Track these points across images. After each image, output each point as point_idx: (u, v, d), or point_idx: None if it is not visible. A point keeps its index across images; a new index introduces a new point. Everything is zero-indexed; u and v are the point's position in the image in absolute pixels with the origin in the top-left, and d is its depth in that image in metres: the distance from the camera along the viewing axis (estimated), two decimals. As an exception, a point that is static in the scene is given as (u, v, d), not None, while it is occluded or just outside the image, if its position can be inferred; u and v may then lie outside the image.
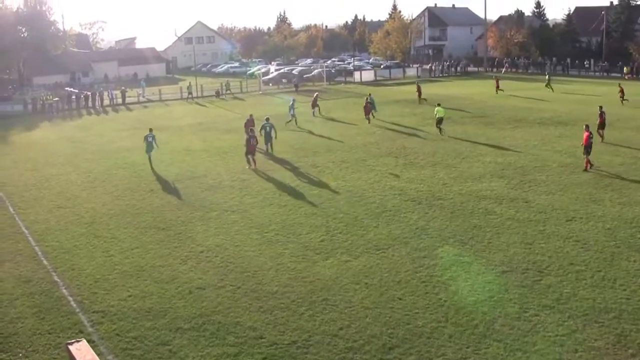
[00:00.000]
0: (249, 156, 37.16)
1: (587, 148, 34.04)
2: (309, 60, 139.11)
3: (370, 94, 56.01)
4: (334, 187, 31.66)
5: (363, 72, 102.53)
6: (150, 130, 41.54)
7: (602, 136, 41.20)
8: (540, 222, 25.43)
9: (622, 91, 60.85)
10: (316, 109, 59.51)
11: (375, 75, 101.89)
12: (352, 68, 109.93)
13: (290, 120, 52.37)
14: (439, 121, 45.97)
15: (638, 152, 38.80)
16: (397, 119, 53.96)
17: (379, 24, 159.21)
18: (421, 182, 32.09)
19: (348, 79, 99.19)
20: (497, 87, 74.00)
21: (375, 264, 21.42)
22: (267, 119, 39.97)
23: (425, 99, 65.21)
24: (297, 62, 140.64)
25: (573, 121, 50.56)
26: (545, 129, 47.37)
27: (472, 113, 56.69)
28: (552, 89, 73.77)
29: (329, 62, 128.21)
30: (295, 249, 23.10)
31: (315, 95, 63.26)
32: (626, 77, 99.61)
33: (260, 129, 40.50)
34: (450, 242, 23.24)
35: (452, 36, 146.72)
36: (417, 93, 66.61)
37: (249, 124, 42.87)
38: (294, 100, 55.91)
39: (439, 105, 47.33)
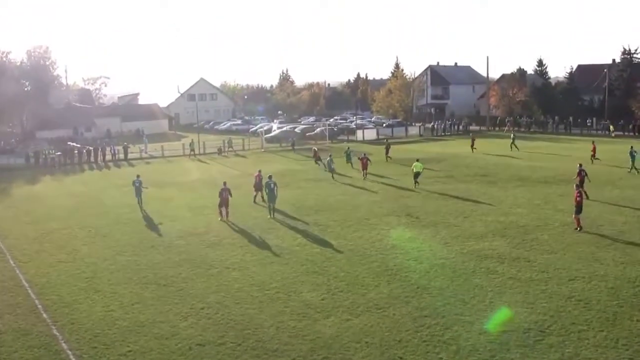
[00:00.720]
0: (221, 209, 39.25)
1: (578, 207, 34.54)
2: (311, 118, 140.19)
3: (348, 147, 62.01)
4: (335, 246, 31.80)
5: (365, 130, 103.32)
6: (138, 176, 44.95)
7: (585, 194, 41.56)
8: (542, 281, 25.53)
9: (594, 149, 62.38)
10: (320, 163, 63.03)
11: (377, 133, 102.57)
12: (354, 126, 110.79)
13: (330, 172, 56.51)
14: (416, 175, 49.69)
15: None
16: (399, 178, 54.25)
17: (381, 82, 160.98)
18: (423, 242, 32.21)
19: (350, 137, 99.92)
20: (472, 145, 76.41)
21: (376, 322, 21.49)
22: (270, 177, 40.24)
23: (390, 157, 68.09)
24: (299, 119, 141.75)
25: (571, 178, 50.82)
26: (548, 187, 47.65)
27: (475, 171, 57.03)
28: (517, 148, 75.47)
29: (331, 120, 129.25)
30: (296, 307, 23.19)
31: (314, 150, 67.73)
32: (613, 135, 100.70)
33: (265, 187, 40.79)
34: (451, 301, 23.31)
35: (454, 94, 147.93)
36: (385, 150, 69.36)
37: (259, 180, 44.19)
38: (331, 156, 59.56)
39: (417, 160, 51.02)
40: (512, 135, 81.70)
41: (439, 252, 30.25)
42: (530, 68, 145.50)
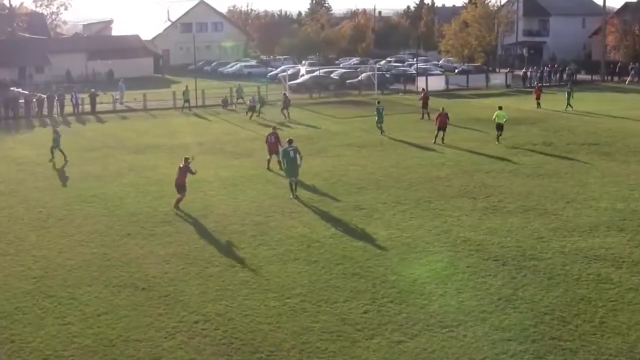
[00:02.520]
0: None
1: None
2: (354, 60, 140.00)
3: (379, 102, 63.10)
4: (384, 238, 31.76)
5: (430, 78, 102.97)
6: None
7: None
8: (676, 295, 25.32)
9: None
10: (286, 112, 69.65)
11: (447, 82, 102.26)
12: (414, 72, 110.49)
13: (382, 132, 59.16)
14: (498, 127, 54.75)
15: None
16: (476, 145, 54.05)
17: (454, 11, 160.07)
18: (507, 235, 32.11)
19: (408, 87, 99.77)
20: (538, 100, 77.62)
21: (439, 347, 21.41)
22: (291, 142, 39.98)
23: (428, 114, 68.99)
24: (337, 62, 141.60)
25: None
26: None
27: (583, 139, 56.63)
28: (571, 106, 75.61)
29: (382, 62, 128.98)
30: (328, 323, 23.15)
31: (283, 94, 74.15)
32: None
33: (282, 156, 40.55)
34: (546, 319, 23.16)
35: (556, 30, 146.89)
36: (421, 104, 70.84)
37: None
38: (381, 107, 61.29)
39: (500, 109, 55.48)
40: (568, 90, 79.57)
41: (530, 249, 30.08)
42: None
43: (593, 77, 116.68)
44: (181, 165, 37.89)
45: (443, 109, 56.31)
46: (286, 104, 71.55)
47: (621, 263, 28.42)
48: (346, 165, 47.26)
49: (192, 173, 37.80)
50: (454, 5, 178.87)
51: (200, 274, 27.83)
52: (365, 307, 24.35)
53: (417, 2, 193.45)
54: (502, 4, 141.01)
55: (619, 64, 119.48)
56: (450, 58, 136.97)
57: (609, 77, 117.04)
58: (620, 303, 24.55)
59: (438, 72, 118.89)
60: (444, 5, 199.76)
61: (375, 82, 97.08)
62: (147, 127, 68.77)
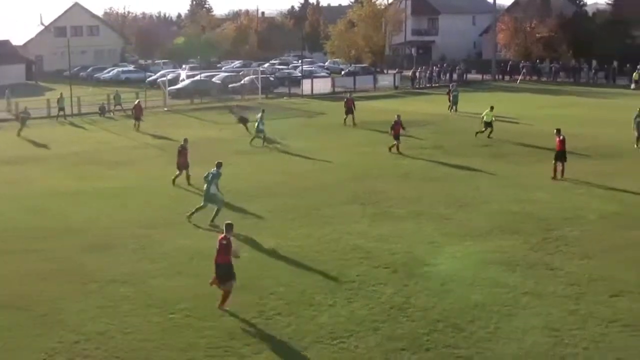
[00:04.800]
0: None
1: (560, 155, 40.35)
2: (237, 63, 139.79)
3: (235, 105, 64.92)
4: (272, 248, 31.77)
5: (315, 80, 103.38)
6: None
7: (560, 170, 43.87)
8: (572, 298, 25.81)
9: None
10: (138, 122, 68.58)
11: (333, 85, 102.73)
12: (299, 75, 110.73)
13: (254, 138, 57.12)
14: (486, 125, 57.82)
15: None
16: (365, 150, 54.44)
17: (340, 10, 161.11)
18: (398, 241, 32.35)
19: (293, 90, 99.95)
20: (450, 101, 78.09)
21: (330, 359, 21.48)
22: (219, 165, 38.03)
23: (353, 119, 68.26)
24: (220, 65, 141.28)
25: (621, 151, 51.64)
26: (582, 163, 48.10)
27: (475, 141, 57.42)
28: (455, 109, 76.60)
29: (266, 65, 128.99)
30: (215, 338, 23.05)
31: (137, 102, 72.34)
32: (632, 87, 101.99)
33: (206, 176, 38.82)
34: (440, 327, 23.42)
35: (445, 29, 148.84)
36: (345, 109, 69.22)
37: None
38: (263, 112, 58.83)
39: (491, 109, 58.86)
40: (451, 92, 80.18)
41: (422, 255, 30.40)
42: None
43: (484, 77, 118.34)
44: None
45: (399, 116, 55.13)
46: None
47: (515, 266, 28.91)
48: (233, 173, 47.13)
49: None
50: (340, 5, 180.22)
51: (80, 290, 27.47)
52: (253, 320, 24.30)
53: (302, 2, 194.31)
54: (389, 2, 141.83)
55: (510, 62, 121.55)
56: (337, 59, 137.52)
57: (500, 76, 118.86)
58: (515, 308, 24.96)
59: (324, 74, 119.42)
60: (329, 5, 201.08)
61: (259, 86, 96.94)
62: (18, 138, 67.61)
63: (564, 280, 27.46)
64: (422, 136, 60.01)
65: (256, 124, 57.95)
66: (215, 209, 35.74)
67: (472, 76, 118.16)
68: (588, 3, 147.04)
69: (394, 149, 53.31)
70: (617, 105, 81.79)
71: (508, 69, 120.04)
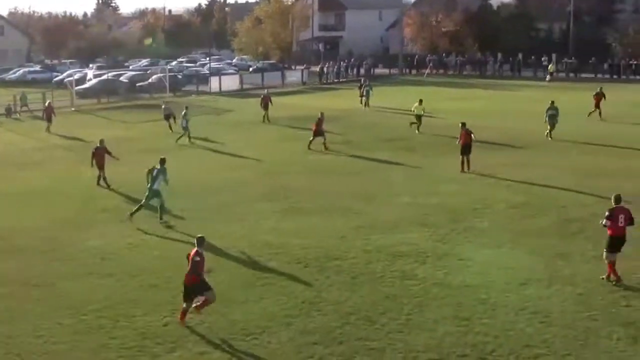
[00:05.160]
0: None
1: (465, 148, 41.97)
2: (144, 62, 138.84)
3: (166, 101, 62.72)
4: (183, 247, 31.13)
5: (223, 77, 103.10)
6: None
7: (467, 163, 44.22)
8: (481, 287, 26.06)
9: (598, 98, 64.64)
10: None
11: (241, 82, 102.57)
12: (207, 72, 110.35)
13: (182, 135, 56.89)
14: (418, 119, 58.56)
15: (615, 183, 40.40)
16: (275, 145, 54.45)
17: (247, 7, 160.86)
18: (309, 236, 32.39)
19: (201, 87, 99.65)
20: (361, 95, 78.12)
21: (244, 355, 21.46)
22: (163, 161, 37.44)
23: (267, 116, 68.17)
24: (127, 64, 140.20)
25: (528, 143, 52.34)
26: (489, 154, 48.72)
27: (383, 135, 57.79)
28: (367, 105, 76.61)
29: (174, 63, 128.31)
30: (127, 339, 22.86)
31: (48, 103, 70.24)
32: (547, 79, 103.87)
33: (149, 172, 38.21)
34: (352, 320, 23.48)
35: (352, 24, 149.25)
36: (262, 106, 69.09)
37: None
38: (186, 109, 58.89)
39: (420, 102, 59.24)
40: (363, 87, 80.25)
41: (333, 249, 30.45)
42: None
43: (391, 71, 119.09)
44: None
45: (322, 114, 54.81)
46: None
47: (425, 258, 29.12)
48: (140, 172, 46.74)
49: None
50: (247, 2, 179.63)
51: (-12, 295, 27.18)
52: (165, 319, 24.15)
53: (209, 0, 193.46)
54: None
55: (416, 56, 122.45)
56: (245, 56, 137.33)
57: (408, 70, 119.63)
58: (425, 299, 25.13)
59: (232, 71, 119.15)
60: (236, 2, 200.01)
61: (167, 84, 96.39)
62: None
63: (473, 270, 27.76)
64: (332, 131, 60.07)
65: (180, 121, 58.28)
66: (159, 206, 35.63)
67: (380, 70, 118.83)
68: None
69: (316, 146, 52.86)
70: (522, 97, 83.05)
71: (415, 63, 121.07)
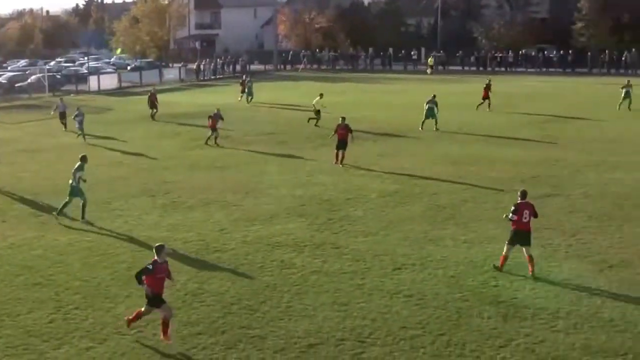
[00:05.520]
0: None
1: (341, 143, 42.68)
2: (23, 62, 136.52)
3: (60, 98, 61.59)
4: (64, 244, 31.07)
5: (102, 76, 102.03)
6: None
7: (341, 156, 44.43)
8: (357, 273, 26.34)
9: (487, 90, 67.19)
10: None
11: (120, 80, 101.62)
12: (86, 71, 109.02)
13: (80, 135, 55.85)
14: (317, 113, 58.08)
15: (483, 171, 41.31)
16: (156, 142, 54.08)
17: (124, 7, 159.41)
18: (189, 230, 32.29)
19: (80, 87, 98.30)
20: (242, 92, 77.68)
21: (129, 349, 21.27)
22: (84, 159, 36.88)
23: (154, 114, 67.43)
24: (5, 65, 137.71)
25: (400, 133, 53.00)
26: (359, 145, 49.12)
27: (260, 129, 57.91)
28: (247, 100, 76.57)
29: (52, 63, 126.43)
30: (12, 337, 22.43)
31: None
32: (428, 72, 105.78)
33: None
34: (234, 309, 23.49)
35: (228, 22, 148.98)
36: (148, 104, 68.32)
37: None
38: (78, 109, 57.93)
39: (320, 96, 58.98)
40: (245, 83, 79.74)
41: (213, 242, 30.45)
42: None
43: (266, 67, 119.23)
44: None
45: (218, 109, 54.52)
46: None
47: (303, 247, 29.30)
48: (20, 172, 46.07)
49: None
50: (124, 2, 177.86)
51: None
52: (50, 316, 23.79)
53: (86, 0, 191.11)
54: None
55: (291, 52, 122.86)
56: (123, 55, 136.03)
57: (282, 66, 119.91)
58: (304, 286, 25.30)
59: (111, 70, 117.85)
60: (114, 1, 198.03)
61: (46, 84, 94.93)
62: None
63: (349, 257, 28.02)
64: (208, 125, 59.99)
65: (74, 121, 57.21)
66: (81, 203, 34.66)
67: (255, 67, 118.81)
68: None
69: (211, 142, 52.42)
70: (393, 89, 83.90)
71: (289, 58, 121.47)
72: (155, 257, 21.60)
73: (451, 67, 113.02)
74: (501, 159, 45.43)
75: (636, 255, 27.28)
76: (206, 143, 52.28)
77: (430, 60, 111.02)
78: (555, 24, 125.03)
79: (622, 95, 65.48)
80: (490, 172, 41.85)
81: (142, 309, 21.74)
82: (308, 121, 58.78)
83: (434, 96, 56.59)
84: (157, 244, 22.13)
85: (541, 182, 39.35)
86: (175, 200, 37.56)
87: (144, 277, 21.33)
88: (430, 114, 55.64)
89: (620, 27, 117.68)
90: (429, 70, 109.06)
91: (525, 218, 25.68)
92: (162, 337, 21.34)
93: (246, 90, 76.58)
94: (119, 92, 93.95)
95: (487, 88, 68.04)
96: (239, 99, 76.36)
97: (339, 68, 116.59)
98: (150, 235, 31.67)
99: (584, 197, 36.59)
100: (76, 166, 34.78)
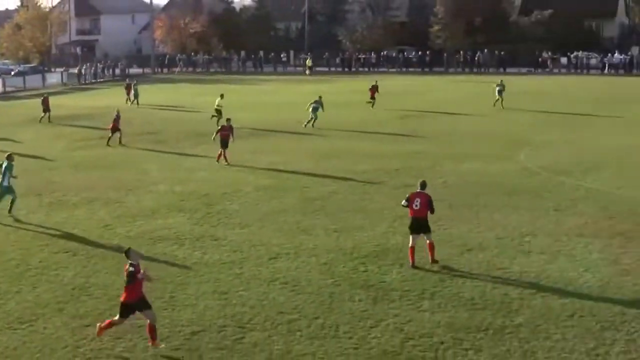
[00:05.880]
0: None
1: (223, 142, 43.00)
2: None
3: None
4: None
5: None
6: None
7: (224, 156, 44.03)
8: (236, 263, 26.28)
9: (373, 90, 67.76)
10: None
11: (3, 85, 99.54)
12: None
13: None
14: (217, 112, 56.71)
15: (350, 164, 41.67)
16: (41, 144, 53.06)
17: (7, 14, 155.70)
18: (75, 227, 31.70)
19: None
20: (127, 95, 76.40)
21: (21, 342, 20.78)
22: (10, 158, 35.52)
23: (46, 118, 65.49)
24: None
25: (273, 131, 53.11)
26: (235, 143, 49.11)
27: (140, 129, 57.24)
28: (137, 103, 74.95)
29: None
30: None
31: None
32: (307, 73, 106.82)
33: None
34: (119, 302, 23.13)
35: (107, 28, 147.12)
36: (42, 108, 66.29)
37: None
38: None
39: (221, 97, 58.87)
40: (132, 86, 77.99)
41: (98, 238, 29.96)
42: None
43: (144, 70, 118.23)
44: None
45: (118, 111, 53.19)
46: None
47: (184, 240, 29.07)
48: None
49: None
50: (7, 9, 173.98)
51: None
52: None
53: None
54: (54, 5, 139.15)
55: (167, 56, 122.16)
56: (6, 60, 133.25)
57: (160, 69, 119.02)
58: (186, 277, 25.10)
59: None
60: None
61: None
62: None
63: (227, 248, 27.92)
64: (88, 129, 59.17)
65: None
66: (11, 199, 33.75)
67: (134, 70, 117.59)
68: (235, 0, 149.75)
69: (113, 142, 51.05)
70: (266, 90, 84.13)
71: (166, 62, 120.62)
72: (131, 262, 19.92)
73: (318, 68, 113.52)
74: (367, 153, 45.96)
75: (492, 239, 27.81)
76: (107, 144, 51.32)
77: (309, 62, 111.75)
78: (414, 27, 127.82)
79: (496, 93, 66.20)
80: (357, 166, 42.25)
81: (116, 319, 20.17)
82: (211, 118, 58.16)
83: (320, 97, 57.20)
84: (125, 249, 20.71)
85: (404, 174, 39.96)
86: (60, 198, 36.83)
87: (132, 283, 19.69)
88: (314, 113, 55.90)
89: (473, 30, 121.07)
90: (307, 72, 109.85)
91: (417, 206, 25.63)
92: (151, 343, 19.90)
93: (133, 92, 75.26)
94: (3, 96, 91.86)
95: (374, 89, 68.92)
96: (129, 103, 74.71)
97: (213, 70, 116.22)
98: (37, 232, 31.10)
99: (443, 186, 37.20)
100: (5, 165, 33.66)
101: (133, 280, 19.52)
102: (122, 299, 19.96)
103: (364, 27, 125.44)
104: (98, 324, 20.50)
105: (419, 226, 25.85)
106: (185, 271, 25.71)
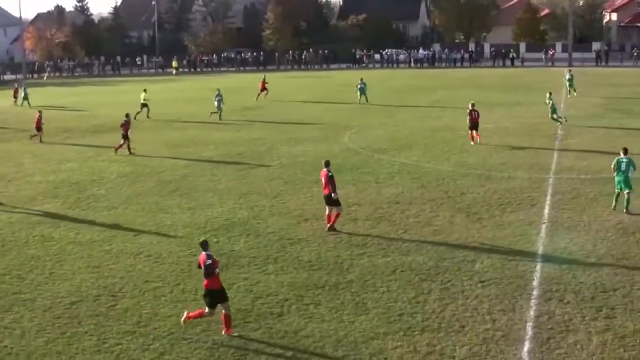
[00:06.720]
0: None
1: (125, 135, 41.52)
2: None
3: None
4: None
5: None
6: None
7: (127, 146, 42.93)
8: (105, 241, 25.86)
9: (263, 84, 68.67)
10: None
11: None
12: None
13: None
14: (143, 105, 55.73)
15: (199, 151, 41.49)
16: None
17: None
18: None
19: None
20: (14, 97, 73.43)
21: None
22: None
23: None
24: None
25: (132, 124, 52.26)
26: (99, 136, 48.51)
27: (15, 127, 55.39)
28: (29, 104, 69.97)
29: None
30: None
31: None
32: (174, 73, 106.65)
33: None
34: (6, 279, 22.42)
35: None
36: None
37: None
38: None
39: (144, 91, 57.45)
40: (23, 89, 73.44)
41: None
42: (70, 5, 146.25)
43: (17, 76, 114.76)
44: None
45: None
46: None
47: (59, 223, 28.35)
48: None
49: None
50: None
51: None
52: None
53: None
54: None
55: (37, 63, 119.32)
56: None
57: (30, 75, 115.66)
58: (63, 255, 24.55)
59: None
60: None
61: None
62: None
63: (97, 228, 27.40)
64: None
65: None
66: None
67: (8, 77, 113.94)
68: (94, 13, 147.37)
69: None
70: (125, 90, 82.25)
71: (36, 68, 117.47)
72: (208, 253, 18.32)
73: (168, 70, 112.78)
74: (213, 141, 45.73)
75: (323, 209, 28.08)
76: (34, 138, 48.85)
77: (175, 63, 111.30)
78: (249, 31, 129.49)
79: (358, 92, 64.69)
80: (204, 152, 42.08)
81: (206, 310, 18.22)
82: (139, 111, 56.29)
83: (219, 90, 57.13)
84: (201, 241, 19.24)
85: (246, 157, 40.01)
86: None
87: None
88: (218, 105, 55.24)
89: (299, 33, 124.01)
90: (174, 72, 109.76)
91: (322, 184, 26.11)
92: (225, 331, 18.08)
93: (23, 95, 71.50)
94: None
95: (263, 83, 69.23)
96: (20, 104, 70.92)
97: (77, 74, 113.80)
98: None
99: (280, 167, 37.45)
100: None
101: (211, 273, 17.87)
102: (204, 286, 18.09)
103: (206, 32, 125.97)
104: (186, 312, 18.64)
105: (327, 200, 26.16)
106: (62, 250, 25.08)
